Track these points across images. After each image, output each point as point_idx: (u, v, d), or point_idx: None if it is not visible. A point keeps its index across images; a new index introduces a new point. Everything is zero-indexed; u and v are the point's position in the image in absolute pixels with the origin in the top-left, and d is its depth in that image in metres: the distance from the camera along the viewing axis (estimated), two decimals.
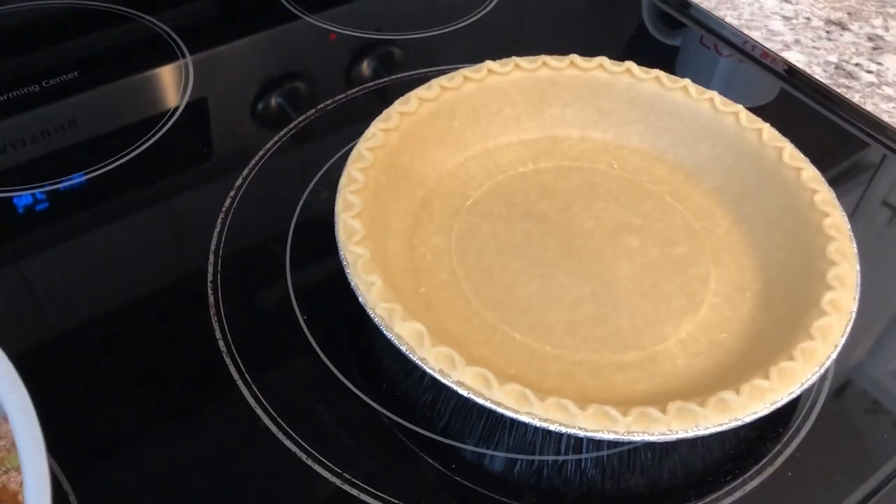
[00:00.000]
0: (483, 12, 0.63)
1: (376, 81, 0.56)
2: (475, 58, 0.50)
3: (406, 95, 0.46)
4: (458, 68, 0.48)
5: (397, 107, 0.45)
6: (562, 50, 0.49)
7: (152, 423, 0.37)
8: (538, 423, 0.32)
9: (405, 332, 0.34)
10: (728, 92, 0.47)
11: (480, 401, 0.32)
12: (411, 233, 0.43)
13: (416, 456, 0.36)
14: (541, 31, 0.64)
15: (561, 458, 0.36)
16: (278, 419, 0.37)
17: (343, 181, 0.41)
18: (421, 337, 0.34)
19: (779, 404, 0.33)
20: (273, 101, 0.55)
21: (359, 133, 0.44)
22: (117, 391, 0.38)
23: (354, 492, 0.34)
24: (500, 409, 0.32)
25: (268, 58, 0.59)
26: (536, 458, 0.36)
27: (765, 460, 0.36)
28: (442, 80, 0.46)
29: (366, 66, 0.58)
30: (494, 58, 0.48)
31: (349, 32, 0.60)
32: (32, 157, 0.50)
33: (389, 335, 0.35)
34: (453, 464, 0.36)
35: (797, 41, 0.61)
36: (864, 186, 0.52)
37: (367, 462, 0.36)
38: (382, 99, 0.54)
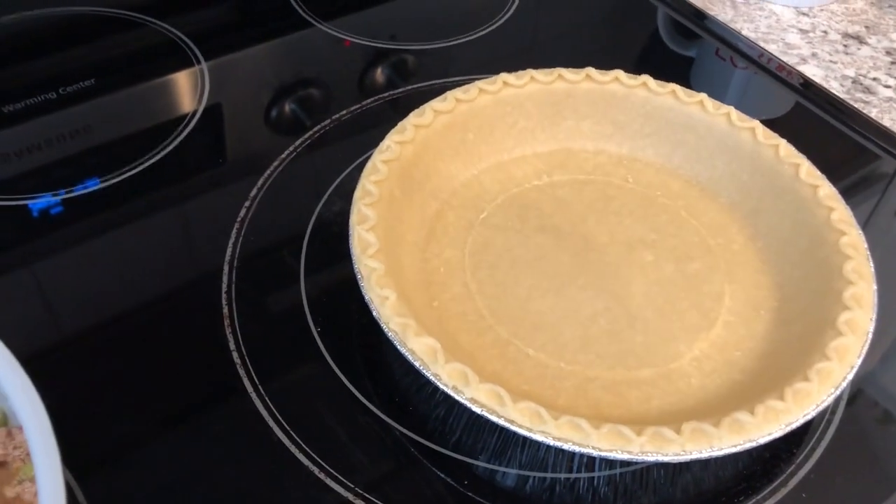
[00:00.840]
0: (497, 24, 0.63)
1: (391, 92, 0.56)
2: (489, 69, 0.50)
3: (421, 107, 0.45)
4: (472, 79, 0.48)
5: (412, 119, 0.45)
6: (576, 61, 0.49)
7: (165, 432, 0.37)
8: (552, 442, 0.32)
9: (419, 347, 0.34)
10: (743, 104, 0.47)
11: (494, 418, 0.32)
12: (425, 245, 0.43)
13: (428, 470, 0.36)
14: (555, 42, 0.64)
15: (573, 475, 0.36)
16: (290, 431, 0.37)
17: (358, 193, 0.41)
18: (434, 353, 0.34)
19: (794, 426, 0.33)
20: (287, 109, 0.55)
21: (373, 143, 0.44)
22: (130, 400, 0.38)
23: None
24: (513, 428, 0.32)
25: (282, 65, 0.59)
26: (549, 475, 0.36)
27: (778, 481, 0.36)
28: (457, 93, 0.46)
29: (380, 75, 0.58)
30: (508, 69, 0.48)
31: (363, 41, 0.60)
32: (48, 163, 0.50)
33: (403, 350, 0.35)
34: (465, 479, 0.36)
35: (814, 55, 0.61)
36: (878, 197, 0.51)
37: (378, 476, 0.36)
38: (397, 109, 0.54)
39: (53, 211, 0.47)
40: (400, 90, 0.56)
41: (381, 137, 0.44)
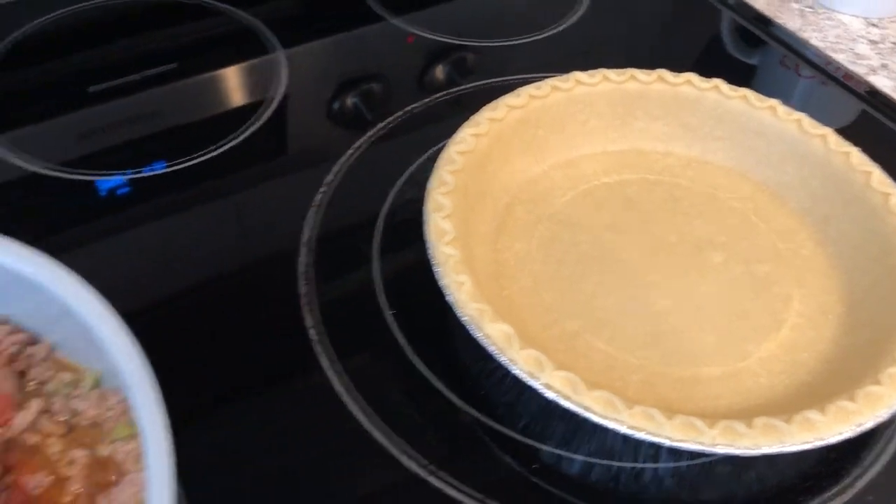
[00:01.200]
0: (561, 27, 0.64)
1: (462, 87, 0.57)
2: (551, 69, 0.51)
3: (494, 102, 0.47)
4: (536, 78, 0.49)
5: (486, 113, 0.46)
6: (634, 64, 0.50)
7: (244, 408, 0.39)
8: (625, 430, 0.32)
9: (494, 332, 0.35)
10: (806, 113, 0.47)
11: (568, 404, 0.33)
12: (495, 237, 0.44)
13: (496, 453, 0.37)
14: (614, 48, 0.64)
15: (638, 465, 0.37)
16: (365, 407, 0.38)
17: (433, 183, 0.42)
18: (510, 338, 0.35)
19: (865, 427, 0.33)
20: (359, 101, 0.56)
21: (441, 137, 0.45)
22: (207, 375, 0.39)
23: (436, 482, 0.35)
24: (587, 414, 0.33)
25: (354, 58, 0.60)
26: (614, 463, 0.37)
27: (845, 482, 0.36)
28: (530, 89, 0.47)
29: (447, 71, 0.59)
30: (570, 70, 0.49)
31: (431, 36, 0.62)
32: (124, 142, 0.52)
33: (478, 335, 0.36)
34: (532, 463, 0.37)
35: (884, 66, 0.60)
36: None
37: (448, 455, 0.37)
38: (465, 105, 0.55)
39: (120, 191, 0.49)
40: (470, 85, 0.57)
41: (450, 131, 0.45)
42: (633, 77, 0.48)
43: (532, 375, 0.34)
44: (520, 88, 0.48)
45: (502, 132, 0.46)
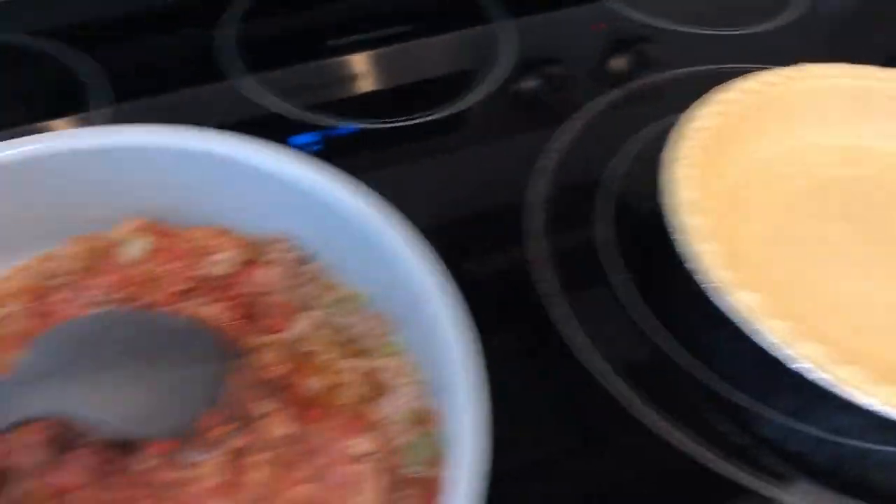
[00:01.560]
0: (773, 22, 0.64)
1: (688, 69, 0.58)
2: (767, 61, 0.51)
3: (729, 84, 0.48)
4: (759, 68, 0.49)
5: (721, 94, 0.47)
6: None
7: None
8: (879, 407, 0.33)
9: (743, 300, 0.37)
10: None
11: (821, 376, 0.34)
12: (726, 214, 0.45)
13: (725, 417, 0.38)
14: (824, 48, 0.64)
15: (867, 445, 0.37)
16: (599, 362, 0.40)
17: (673, 155, 0.43)
18: (759, 307, 0.36)
19: None
20: (578, 76, 0.58)
21: (665, 113, 0.47)
22: None
23: (667, 437, 0.37)
24: (841, 387, 0.34)
25: (573, 33, 0.62)
26: (839, 439, 0.37)
27: None
28: (765, 76, 0.48)
29: (667, 54, 0.60)
30: (777, 64, 0.49)
31: (647, 21, 0.63)
32: (359, 94, 0.56)
33: (724, 303, 0.37)
34: (761, 432, 0.38)
35: None
36: None
37: (678, 414, 0.38)
38: (683, 88, 0.56)
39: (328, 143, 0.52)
40: (702, 68, 0.58)
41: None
42: (869, 74, 0.48)
43: (785, 344, 0.35)
44: (753, 74, 0.48)
45: (737, 114, 0.47)
